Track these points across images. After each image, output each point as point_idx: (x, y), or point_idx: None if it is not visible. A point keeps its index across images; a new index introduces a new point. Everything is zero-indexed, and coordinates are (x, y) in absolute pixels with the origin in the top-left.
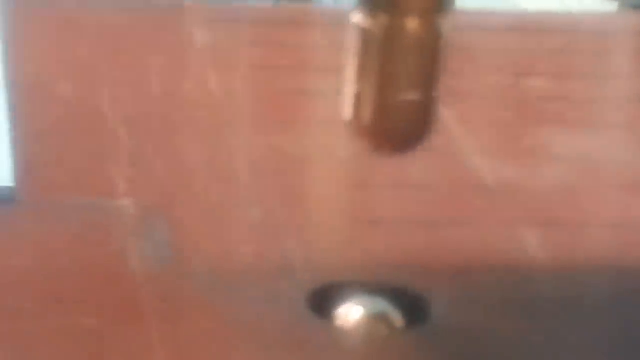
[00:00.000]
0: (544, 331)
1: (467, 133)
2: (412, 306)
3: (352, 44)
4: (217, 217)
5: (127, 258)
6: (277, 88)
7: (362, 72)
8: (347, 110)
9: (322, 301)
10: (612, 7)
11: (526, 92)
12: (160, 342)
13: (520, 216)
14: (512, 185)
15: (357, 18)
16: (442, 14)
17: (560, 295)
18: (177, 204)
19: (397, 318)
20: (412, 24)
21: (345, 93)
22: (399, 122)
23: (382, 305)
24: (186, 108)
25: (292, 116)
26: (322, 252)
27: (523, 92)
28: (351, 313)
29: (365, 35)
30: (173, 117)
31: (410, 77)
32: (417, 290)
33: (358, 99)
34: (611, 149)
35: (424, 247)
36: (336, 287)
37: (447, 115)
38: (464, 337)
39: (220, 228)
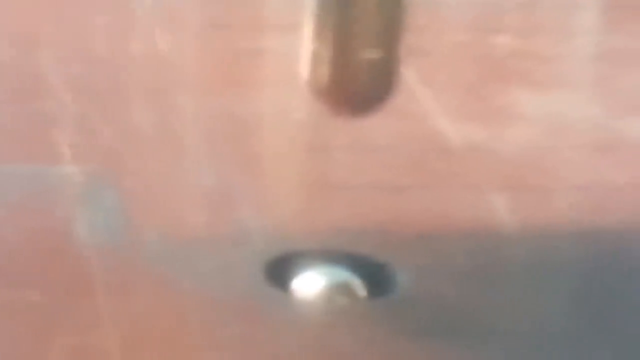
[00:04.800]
0: (512, 297)
1: (431, 93)
2: (376, 275)
3: (309, 1)
4: (168, 184)
5: (73, 228)
6: (230, 48)
7: (320, 30)
8: (304, 70)
9: (280, 271)
10: None
11: (492, 49)
12: (110, 316)
13: (488, 179)
14: (479, 147)
15: None
16: None
17: (529, 260)
18: (126, 171)
19: (359, 288)
20: None
21: (302, 52)
22: (360, 82)
23: (344, 274)
24: (134, 70)
25: (246, 77)
26: (280, 220)
27: (489, 49)
28: (311, 283)
29: None
30: (120, 79)
31: (371, 35)
32: (380, 258)
33: (316, 59)
34: (580, 109)
35: (387, 213)
36: (295, 257)
37: (410, 74)
38: (430, 306)
39: (172, 195)
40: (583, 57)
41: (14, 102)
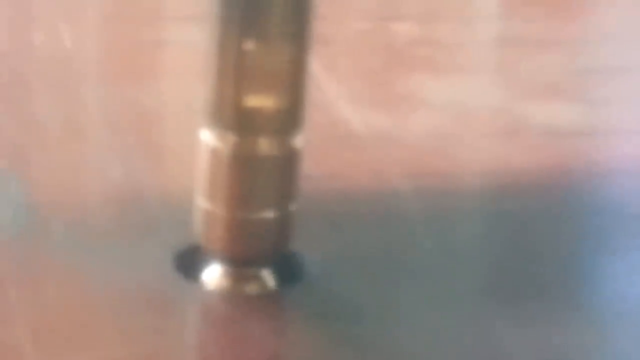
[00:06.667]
0: (419, 281)
1: (334, 81)
2: (284, 265)
3: (201, 161)
4: (75, 177)
5: None
6: (132, 39)
7: (213, 190)
8: (197, 227)
9: (190, 262)
10: None
11: (394, 37)
12: (21, 310)
13: (393, 166)
14: (383, 135)
15: (206, 137)
16: (293, 132)
17: (436, 245)
18: (33, 164)
19: (268, 278)
20: (263, 143)
21: (195, 208)
22: (254, 242)
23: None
24: (37, 63)
25: (148, 68)
26: (188, 211)
27: (390, 37)
28: (220, 273)
29: (215, 154)
30: (23, 72)
31: (263, 195)
32: (289, 248)
33: (210, 219)
34: (483, 95)
35: None
36: (203, 247)
37: (313, 63)
38: (339, 293)
39: (79, 188)
40: (484, 43)
41: None
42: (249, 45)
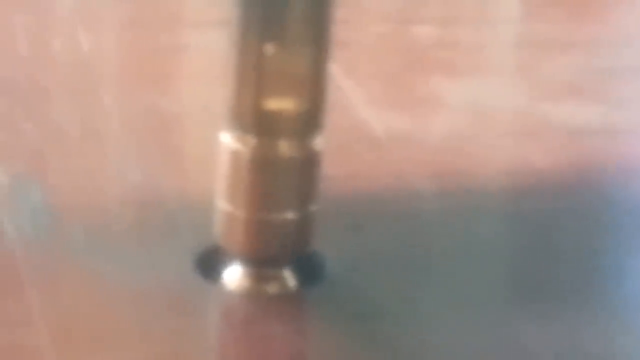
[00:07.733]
0: (440, 281)
1: (355, 84)
2: (306, 264)
3: (221, 164)
4: (95, 181)
5: (0, 227)
6: (151, 45)
7: (233, 192)
8: (218, 229)
9: (210, 263)
10: None
11: (414, 39)
12: (41, 313)
13: (413, 167)
14: (404, 136)
15: (226, 139)
16: (313, 134)
17: (456, 245)
18: (52, 169)
19: (289, 278)
20: (283, 146)
21: (215, 210)
22: (274, 243)
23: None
24: (56, 68)
25: (167, 73)
26: (208, 213)
27: (411, 39)
28: (241, 274)
29: (235, 156)
30: (43, 78)
31: (284, 196)
32: (310, 248)
33: (230, 220)
34: (503, 96)
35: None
36: (223, 248)
37: (334, 66)
38: (360, 293)
39: (99, 191)
40: (504, 45)
41: None
42: (269, 48)
